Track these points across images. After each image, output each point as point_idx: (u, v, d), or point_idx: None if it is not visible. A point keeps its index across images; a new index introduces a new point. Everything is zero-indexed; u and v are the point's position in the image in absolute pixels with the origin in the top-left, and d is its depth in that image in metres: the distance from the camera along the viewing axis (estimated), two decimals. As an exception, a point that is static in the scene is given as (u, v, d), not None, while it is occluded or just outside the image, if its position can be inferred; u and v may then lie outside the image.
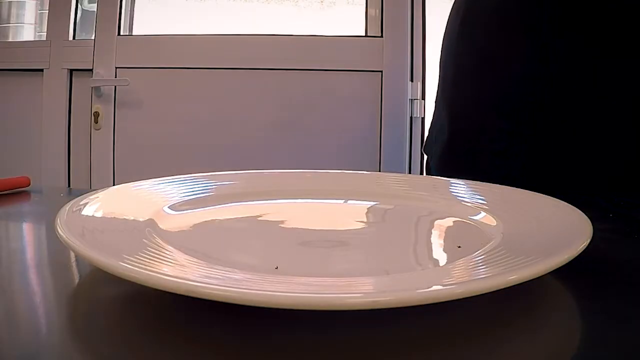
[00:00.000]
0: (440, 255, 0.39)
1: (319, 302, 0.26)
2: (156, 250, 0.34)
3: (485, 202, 0.47)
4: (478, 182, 0.54)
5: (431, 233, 0.45)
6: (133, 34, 2.23)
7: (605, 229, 0.47)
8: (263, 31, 1.89)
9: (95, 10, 2.11)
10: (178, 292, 0.26)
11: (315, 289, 0.32)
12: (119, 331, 0.29)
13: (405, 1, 1.80)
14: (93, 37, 2.11)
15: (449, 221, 0.46)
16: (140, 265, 0.29)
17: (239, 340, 0.28)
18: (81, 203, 0.41)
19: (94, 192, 0.45)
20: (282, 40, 1.85)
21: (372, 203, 0.51)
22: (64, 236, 0.33)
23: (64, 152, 2.12)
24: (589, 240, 0.34)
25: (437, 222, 0.46)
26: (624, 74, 0.66)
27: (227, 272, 0.32)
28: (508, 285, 0.28)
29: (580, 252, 0.32)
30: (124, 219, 0.40)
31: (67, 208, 0.39)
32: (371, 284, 0.33)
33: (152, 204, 0.44)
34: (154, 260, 0.32)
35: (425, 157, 0.85)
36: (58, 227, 0.34)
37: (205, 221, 0.44)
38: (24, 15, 2.34)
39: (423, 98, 1.88)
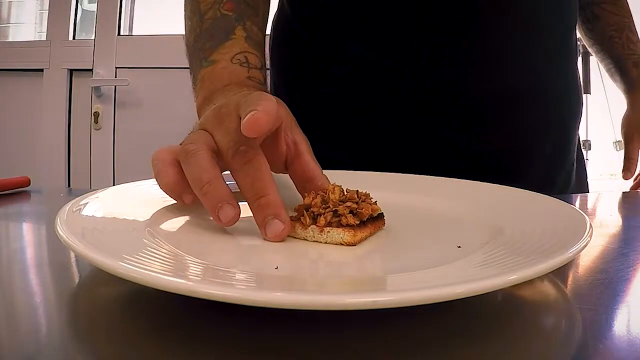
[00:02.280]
0: (440, 255, 0.39)
1: (319, 302, 0.26)
2: (156, 250, 0.34)
3: (485, 202, 0.47)
4: (478, 182, 0.54)
5: (431, 233, 0.45)
6: (133, 34, 2.23)
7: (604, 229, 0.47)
8: (263, 31, 1.89)
9: (95, 10, 2.11)
10: (178, 292, 0.26)
11: (315, 289, 0.32)
12: (119, 331, 0.29)
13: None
14: (93, 37, 2.11)
15: (449, 221, 0.46)
16: (140, 265, 0.29)
17: (239, 340, 0.28)
18: (81, 203, 0.41)
19: (94, 192, 0.45)
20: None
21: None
22: (64, 236, 0.33)
23: (64, 152, 2.12)
24: (589, 240, 0.34)
25: (437, 222, 0.46)
26: None
27: (227, 272, 0.32)
28: (508, 285, 0.28)
29: (580, 252, 0.32)
30: (124, 219, 0.40)
31: (67, 208, 0.39)
32: (371, 284, 0.33)
33: (152, 204, 0.44)
34: (154, 260, 0.32)
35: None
36: (58, 227, 0.34)
37: (205, 221, 0.44)
38: (24, 15, 2.34)
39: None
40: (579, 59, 2.22)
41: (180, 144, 0.42)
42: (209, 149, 0.40)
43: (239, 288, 0.27)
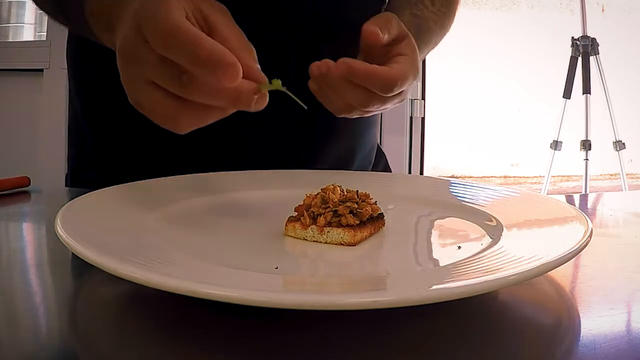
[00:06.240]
0: (440, 255, 0.39)
1: (319, 302, 0.26)
2: (156, 250, 0.34)
3: (485, 203, 0.47)
4: (478, 183, 0.54)
5: (431, 233, 0.45)
6: (133, 34, 2.22)
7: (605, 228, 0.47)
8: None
9: (95, 10, 2.10)
10: (178, 292, 0.26)
11: (315, 289, 0.32)
12: (119, 331, 0.29)
13: (405, 1, 1.80)
14: (93, 37, 2.11)
15: (449, 221, 0.46)
16: (140, 265, 0.29)
17: (239, 340, 0.28)
18: (81, 203, 0.41)
19: (94, 192, 0.45)
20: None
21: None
22: (64, 236, 0.33)
23: (64, 152, 2.12)
24: (589, 240, 0.34)
25: (437, 222, 0.46)
26: None
27: (228, 272, 0.32)
28: (508, 285, 0.28)
29: (580, 252, 0.32)
30: (124, 219, 0.40)
31: (67, 208, 0.39)
32: (371, 284, 0.33)
33: (152, 204, 0.44)
34: (154, 260, 0.32)
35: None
36: (58, 227, 0.34)
37: (206, 221, 0.44)
38: (24, 15, 2.33)
39: (423, 98, 1.88)
40: (579, 59, 2.22)
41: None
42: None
43: (239, 288, 0.27)
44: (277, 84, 0.37)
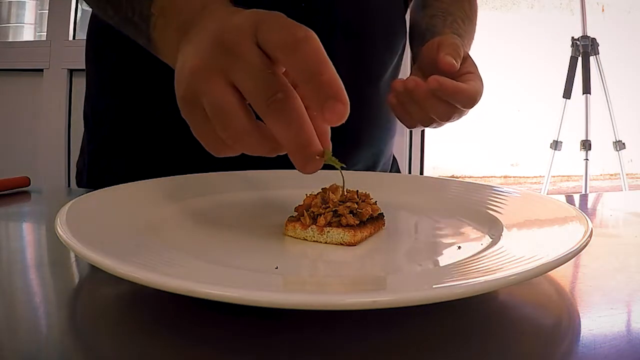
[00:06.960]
0: (440, 255, 0.39)
1: (319, 302, 0.26)
2: (156, 250, 0.34)
3: (485, 202, 0.47)
4: (478, 183, 0.54)
5: (431, 233, 0.45)
6: (133, 34, 2.22)
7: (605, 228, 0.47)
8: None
9: (95, 10, 2.10)
10: (178, 292, 0.26)
11: (315, 289, 0.32)
12: (119, 331, 0.29)
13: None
14: (93, 37, 2.10)
15: (449, 221, 0.46)
16: (141, 266, 0.29)
17: (239, 340, 0.28)
18: (81, 203, 0.41)
19: (94, 192, 0.45)
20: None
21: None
22: (64, 236, 0.33)
23: (64, 152, 2.12)
24: (589, 240, 0.34)
25: (437, 222, 0.46)
26: None
27: (228, 272, 0.32)
28: (508, 285, 0.28)
29: (580, 252, 0.32)
30: (124, 219, 0.40)
31: (67, 208, 0.39)
32: (371, 284, 0.33)
33: (152, 204, 0.44)
34: (154, 260, 0.32)
35: None
36: (58, 227, 0.34)
37: (206, 221, 0.44)
38: (24, 15, 2.33)
39: (423, 98, 1.88)
40: (579, 59, 2.22)
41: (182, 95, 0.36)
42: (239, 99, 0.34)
43: (239, 288, 0.27)
44: (337, 162, 0.36)
